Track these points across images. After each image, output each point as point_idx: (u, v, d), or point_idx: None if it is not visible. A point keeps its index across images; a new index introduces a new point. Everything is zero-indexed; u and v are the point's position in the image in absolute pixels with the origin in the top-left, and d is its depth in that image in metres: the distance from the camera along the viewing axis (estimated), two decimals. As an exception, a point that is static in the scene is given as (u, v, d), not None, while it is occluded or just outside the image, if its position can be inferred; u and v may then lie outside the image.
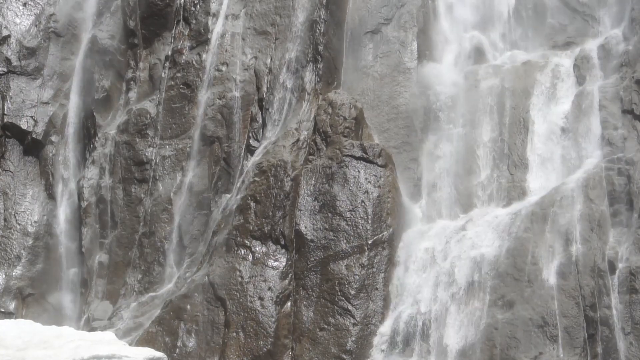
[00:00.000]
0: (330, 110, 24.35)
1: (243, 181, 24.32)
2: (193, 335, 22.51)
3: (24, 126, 26.69)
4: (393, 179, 23.77)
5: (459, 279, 22.16)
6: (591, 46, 25.64)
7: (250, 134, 25.34)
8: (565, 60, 25.56)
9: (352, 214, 23.07)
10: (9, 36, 27.23)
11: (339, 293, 22.40)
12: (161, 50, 27.31)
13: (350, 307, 22.30)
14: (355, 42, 26.45)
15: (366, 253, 22.76)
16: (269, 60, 25.84)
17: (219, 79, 25.96)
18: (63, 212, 26.50)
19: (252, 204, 23.60)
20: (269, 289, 22.65)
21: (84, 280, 25.74)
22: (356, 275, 22.57)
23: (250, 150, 25.17)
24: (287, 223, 23.22)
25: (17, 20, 27.43)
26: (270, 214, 23.34)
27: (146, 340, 22.32)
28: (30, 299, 25.57)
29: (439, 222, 23.99)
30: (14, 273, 25.63)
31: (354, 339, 22.06)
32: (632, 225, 21.71)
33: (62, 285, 26.01)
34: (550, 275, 21.37)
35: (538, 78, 25.40)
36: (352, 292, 22.40)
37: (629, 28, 25.03)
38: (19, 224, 26.09)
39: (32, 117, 26.81)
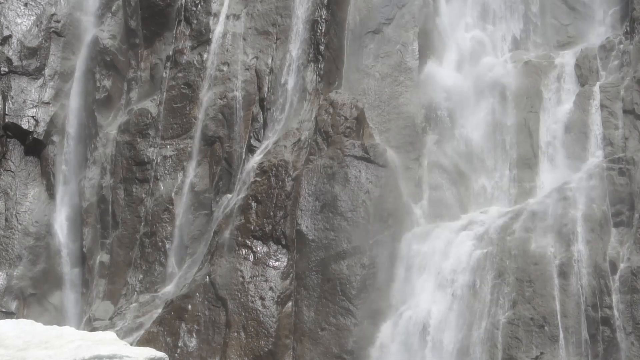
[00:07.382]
0: (331, 110, 24.33)
1: (244, 181, 24.31)
2: (194, 335, 22.50)
3: (25, 126, 26.69)
4: (394, 179, 23.75)
5: (460, 279, 22.15)
6: (592, 46, 25.62)
7: (252, 134, 25.33)
8: (566, 60, 25.55)
9: (353, 214, 23.06)
10: (10, 36, 27.23)
11: (340, 293, 22.39)
12: (162, 50, 27.32)
13: (351, 307, 22.29)
14: (356, 42, 26.42)
15: (367, 253, 22.75)
16: (270, 60, 25.83)
17: (220, 79, 25.95)
18: (64, 212, 26.50)
19: (254, 204, 23.59)
20: (270, 289, 22.64)
21: (85, 280, 25.75)
22: (357, 275, 22.56)
23: (252, 150, 25.16)
24: (288, 223, 23.21)
25: (19, 20, 27.43)
26: (272, 213, 23.33)
27: (147, 340, 22.31)
28: (31, 299, 25.57)
29: (440, 223, 23.96)
30: (15, 273, 25.63)
31: (355, 339, 22.05)
32: (634, 225, 21.69)
33: (63, 285, 26.01)
34: (551, 275, 21.35)
35: (539, 78, 25.38)
36: (354, 292, 22.40)
37: (629, 28, 25.01)
38: (20, 224, 26.09)
39: (33, 117, 26.81)
